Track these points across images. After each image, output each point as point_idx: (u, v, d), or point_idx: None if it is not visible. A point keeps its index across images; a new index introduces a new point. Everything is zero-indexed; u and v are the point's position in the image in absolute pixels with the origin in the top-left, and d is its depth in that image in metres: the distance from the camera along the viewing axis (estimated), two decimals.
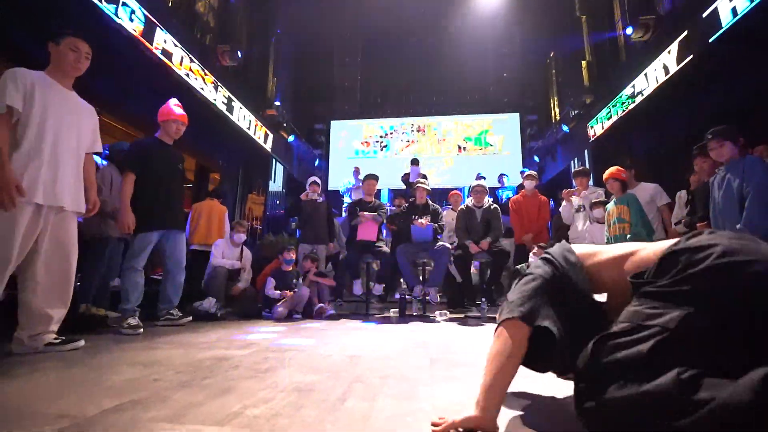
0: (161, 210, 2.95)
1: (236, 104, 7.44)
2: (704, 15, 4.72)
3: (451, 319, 3.79)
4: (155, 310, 3.07)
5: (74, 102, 2.15)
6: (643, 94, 6.20)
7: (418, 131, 12.69)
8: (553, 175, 10.39)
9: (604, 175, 3.73)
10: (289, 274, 4.08)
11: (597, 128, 7.99)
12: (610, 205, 3.65)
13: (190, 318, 3.13)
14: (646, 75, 6.09)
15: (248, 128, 7.93)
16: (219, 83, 6.80)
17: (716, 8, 4.51)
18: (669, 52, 5.50)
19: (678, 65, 5.30)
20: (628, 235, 3.39)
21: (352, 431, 0.97)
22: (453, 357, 1.95)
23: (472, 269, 4.59)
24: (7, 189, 1.77)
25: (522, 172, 6.04)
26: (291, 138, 10.45)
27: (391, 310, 4.30)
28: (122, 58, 4.77)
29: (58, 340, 1.97)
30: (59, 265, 2.02)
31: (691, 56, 5.04)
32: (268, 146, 8.81)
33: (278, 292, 3.90)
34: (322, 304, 3.96)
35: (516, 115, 12.21)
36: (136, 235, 2.87)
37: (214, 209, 4.94)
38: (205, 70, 6.33)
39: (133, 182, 2.86)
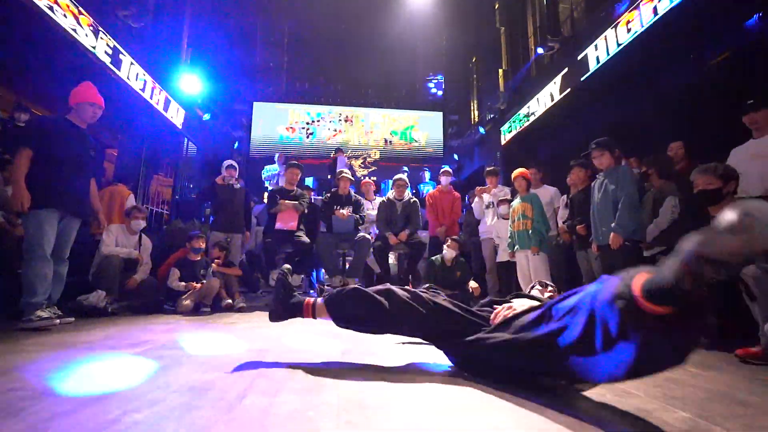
0: (60, 190, 2.61)
1: (126, 59, 6.12)
2: (578, 58, 5.93)
3: None
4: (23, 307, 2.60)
5: None
6: (535, 115, 7.33)
7: (346, 121, 12.57)
8: (470, 174, 11.13)
9: (513, 174, 4.04)
10: (196, 263, 3.76)
11: (506, 136, 8.79)
12: (516, 202, 3.99)
13: (72, 319, 2.69)
14: (537, 99, 7.20)
15: (143, 90, 6.65)
16: (100, 28, 5.42)
17: (586, 54, 5.73)
18: (555, 83, 6.65)
19: (560, 94, 6.47)
20: (530, 231, 3.73)
21: (246, 431, 0.92)
22: (365, 347, 1.98)
23: (391, 259, 4.72)
24: None
25: (441, 168, 6.38)
26: (207, 116, 9.59)
27: None
28: None
29: None
30: None
31: (569, 89, 6.24)
32: (176, 120, 7.77)
33: (183, 283, 3.58)
34: (229, 300, 3.70)
35: (440, 114, 12.77)
36: (27, 214, 2.49)
37: (116, 194, 4.44)
38: (80, 8, 4.98)
39: (28, 159, 2.53)
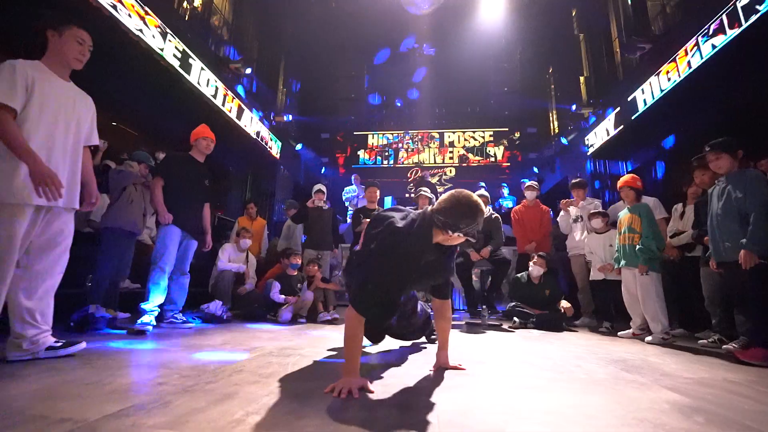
0: (183, 213, 3.13)
1: (196, 63, 5.69)
2: (629, 99, 6.47)
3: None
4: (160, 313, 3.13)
5: (72, 94, 2.00)
6: (594, 146, 7.94)
7: (422, 142, 12.84)
8: (551, 186, 10.40)
9: (619, 183, 3.63)
10: (293, 278, 4.11)
11: (591, 146, 8.09)
12: (623, 213, 3.56)
13: (193, 325, 3.18)
14: (595, 133, 7.87)
15: (214, 96, 6.23)
16: (168, 30, 5.13)
17: (635, 97, 6.31)
18: (609, 119, 7.25)
19: (615, 129, 7.06)
20: (637, 246, 3.28)
21: None
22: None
23: (473, 277, 4.58)
24: (51, 179, 1.73)
25: (522, 183, 6.08)
26: (299, 146, 10.59)
27: None
28: None
29: (59, 344, 1.84)
30: (50, 264, 1.86)
31: (622, 126, 6.80)
32: (247, 128, 7.63)
33: (283, 296, 3.94)
34: (328, 317, 3.92)
35: (516, 127, 12.34)
36: (158, 230, 3.05)
37: (259, 228, 5.57)
38: (146, 8, 4.73)
39: (161, 186, 3.09)
